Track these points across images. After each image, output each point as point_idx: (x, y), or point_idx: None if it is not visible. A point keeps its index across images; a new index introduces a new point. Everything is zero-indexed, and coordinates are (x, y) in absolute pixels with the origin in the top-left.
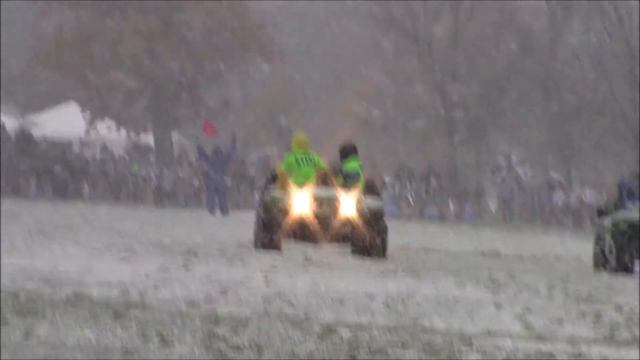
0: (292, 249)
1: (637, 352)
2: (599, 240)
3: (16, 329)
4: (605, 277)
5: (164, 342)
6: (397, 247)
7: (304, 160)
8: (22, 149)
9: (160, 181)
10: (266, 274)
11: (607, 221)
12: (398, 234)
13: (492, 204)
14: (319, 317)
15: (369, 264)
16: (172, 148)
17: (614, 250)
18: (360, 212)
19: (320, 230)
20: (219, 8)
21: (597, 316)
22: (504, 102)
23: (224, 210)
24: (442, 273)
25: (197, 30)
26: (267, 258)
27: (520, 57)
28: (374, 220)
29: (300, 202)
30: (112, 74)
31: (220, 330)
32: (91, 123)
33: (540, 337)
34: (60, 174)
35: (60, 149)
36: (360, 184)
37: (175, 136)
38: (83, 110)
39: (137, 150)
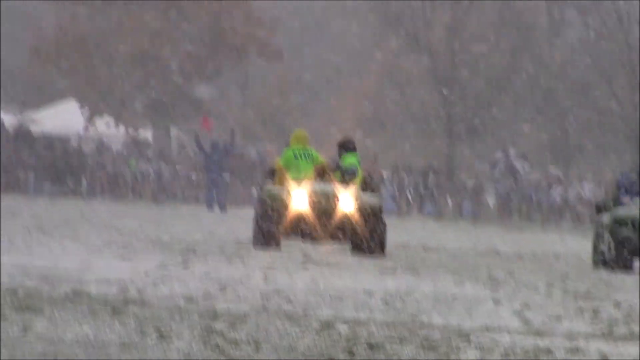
0: (291, 246)
1: (635, 348)
2: (597, 237)
3: (14, 325)
4: (603, 274)
5: (162, 337)
6: (396, 244)
7: (303, 155)
8: (21, 145)
9: (158, 177)
10: (265, 271)
11: (605, 218)
12: (396, 231)
13: (491, 201)
14: (317, 313)
15: (368, 261)
16: (170, 144)
17: (612, 247)
18: (359, 208)
19: (319, 226)
20: (218, 5)
21: (595, 312)
22: (503, 99)
23: (222, 206)
24: (440, 270)
25: (196, 26)
26: (265, 255)
27: (519, 54)
28: (372, 217)
29: (299, 199)
30: (111, 71)
31: (219, 326)
32: (90, 119)
33: (538, 333)
34: (59, 171)
35: (59, 146)
36: (359, 180)
37: (173, 132)
38: (82, 107)
39: (135, 146)
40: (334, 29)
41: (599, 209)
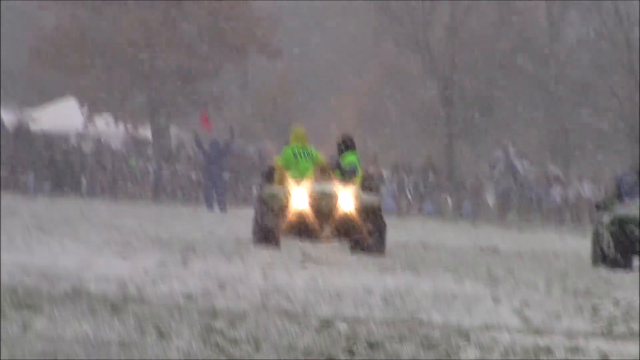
0: (291, 245)
1: (634, 346)
2: (597, 235)
3: (14, 323)
4: (603, 272)
5: (162, 335)
6: (395, 242)
7: (302, 154)
8: (20, 144)
9: (158, 176)
10: (264, 269)
11: (605, 217)
12: (396, 230)
13: (490, 200)
14: (316, 311)
15: (367, 260)
16: (170, 142)
17: (612, 245)
18: (358, 207)
19: (318, 225)
20: (218, 4)
21: (595, 310)
22: (502, 98)
23: (222, 204)
24: (440, 268)
25: (196, 24)
26: (265, 254)
27: (518, 52)
28: (372, 216)
29: (298, 198)
30: (110, 69)
31: (218, 324)
32: (89, 117)
33: (537, 331)
34: (59, 169)
35: (58, 144)
36: (358, 179)
37: (173, 130)
38: (81, 105)
39: (135, 144)
40: (334, 27)
41: (599, 207)
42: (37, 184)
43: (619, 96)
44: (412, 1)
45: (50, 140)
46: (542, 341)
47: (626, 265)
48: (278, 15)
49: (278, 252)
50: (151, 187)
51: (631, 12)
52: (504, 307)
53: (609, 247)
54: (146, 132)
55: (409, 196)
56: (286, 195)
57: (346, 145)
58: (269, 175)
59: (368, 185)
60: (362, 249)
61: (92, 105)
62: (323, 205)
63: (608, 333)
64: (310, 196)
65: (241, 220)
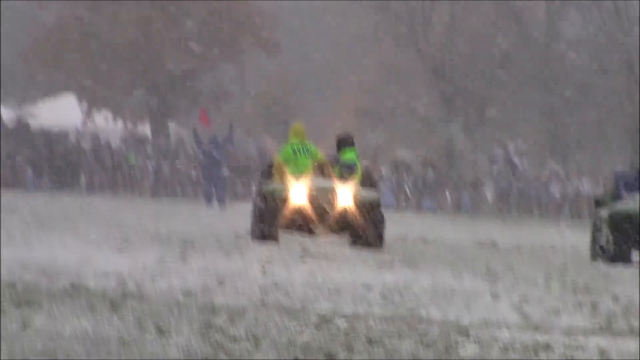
0: (289, 240)
1: (634, 342)
2: (596, 231)
3: (13, 319)
4: (602, 267)
5: (161, 332)
6: (394, 238)
7: (301, 150)
8: (19, 140)
9: (157, 172)
10: (263, 265)
11: (604, 212)
12: (395, 225)
13: (489, 195)
14: (315, 307)
15: (366, 255)
16: (169, 138)
17: (611, 241)
18: (357, 203)
19: (317, 221)
20: (216, 1)
21: (594, 306)
22: (502, 95)
23: (221, 201)
24: (439, 264)
25: (195, 21)
26: (264, 249)
27: (517, 48)
28: (371, 211)
29: (297, 193)
30: (109, 65)
31: (217, 321)
32: (88, 114)
33: (537, 328)
34: (58, 165)
35: (57, 140)
36: (357, 175)
37: (172, 127)
38: (80, 102)
39: (134, 141)
40: (333, 25)
41: (598, 203)
42: (36, 180)
43: (618, 93)
44: (412, 0)
45: (50, 137)
46: (541, 338)
47: (625, 260)
48: (277, 13)
49: (277, 247)
50: (150, 183)
51: (631, 9)
52: (503, 303)
53: (608, 242)
54: (145, 129)
55: (408, 191)
56: (285, 191)
57: (345, 142)
58: (268, 172)
59: (367, 181)
60: (361, 245)
61: (91, 102)
62: (322, 201)
63: (607, 329)
64: (310, 192)
65: (240, 216)
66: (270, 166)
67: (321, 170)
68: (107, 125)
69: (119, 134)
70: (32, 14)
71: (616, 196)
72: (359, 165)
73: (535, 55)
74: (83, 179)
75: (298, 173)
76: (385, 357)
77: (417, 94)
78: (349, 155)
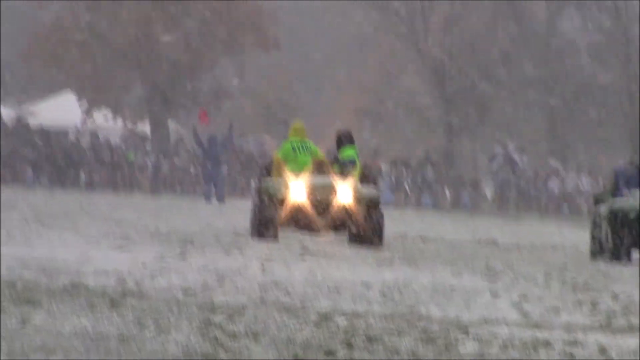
0: (289, 238)
1: (633, 340)
2: (595, 228)
3: (13, 317)
4: (601, 265)
5: (160, 329)
6: (394, 235)
7: (301, 148)
8: (19, 138)
9: (156, 169)
10: (263, 262)
11: (603, 209)
12: (394, 223)
13: (489, 193)
14: (315, 305)
15: (366, 253)
16: (168, 136)
17: (610, 238)
18: (357, 200)
19: (317, 218)
20: None
21: (594, 304)
22: (501, 92)
23: (221, 198)
24: (438, 261)
25: (194, 19)
26: (263, 247)
27: (517, 47)
28: (370, 209)
29: (297, 191)
30: (108, 63)
31: (217, 318)
32: (88, 112)
33: (536, 325)
34: (57, 163)
35: (57, 138)
36: (357, 172)
37: (171, 125)
38: (80, 100)
39: (133, 138)
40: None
41: (597, 200)
42: (35, 177)
43: (618, 91)
44: (412, 0)
45: (49, 135)
46: (541, 335)
47: (625, 258)
48: (277, 12)
49: (276, 245)
50: (150, 181)
51: (630, 8)
52: (502, 300)
53: (607, 240)
54: (145, 128)
55: (408, 189)
56: (285, 189)
57: (345, 139)
58: (268, 169)
59: (366, 178)
60: (361, 242)
61: (91, 101)
62: (321, 198)
63: (607, 327)
64: (309, 189)
65: (240, 213)
66: (269, 164)
67: (321, 167)
68: (107, 123)
69: (118, 132)
70: (32, 13)
71: (615, 193)
72: (358, 163)
73: (535, 54)
74: (83, 177)
75: (298, 171)
76: (384, 355)
77: (417, 93)
78: (348, 153)
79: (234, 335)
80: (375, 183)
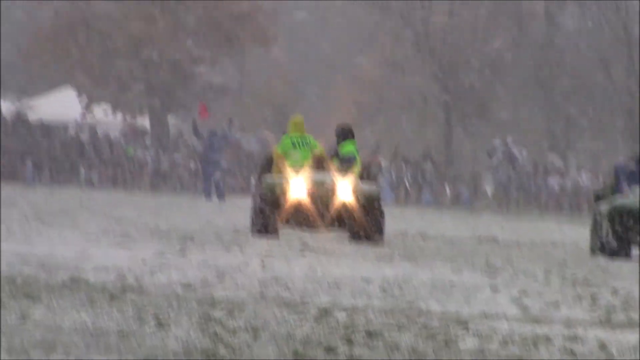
0: (289, 234)
1: (633, 335)
2: (595, 224)
3: (13, 312)
4: (601, 261)
5: (160, 325)
6: (394, 232)
7: (301, 143)
8: (19, 133)
9: (156, 165)
10: (263, 259)
11: (604, 206)
12: (394, 219)
13: (489, 189)
14: (315, 300)
15: (366, 249)
16: (168, 131)
17: (610, 235)
18: (357, 196)
19: (317, 215)
20: None
21: (593, 300)
22: (501, 87)
23: (220, 195)
24: (438, 258)
25: (194, 15)
26: (263, 243)
27: (517, 42)
28: (370, 205)
29: (297, 187)
30: (108, 58)
31: (217, 314)
32: (87, 107)
33: (536, 320)
34: (57, 159)
35: (56, 134)
36: (357, 168)
37: (171, 120)
38: (79, 95)
39: (133, 134)
40: (332, 18)
41: (597, 196)
42: (35, 173)
43: (618, 87)
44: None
45: (49, 130)
46: (541, 330)
47: (625, 254)
48: (276, 7)
49: (277, 241)
50: (149, 176)
51: (630, 3)
52: (502, 296)
53: (607, 236)
54: (144, 123)
55: (407, 186)
56: (285, 185)
57: (345, 135)
58: (268, 165)
59: (367, 174)
60: (361, 239)
61: (91, 95)
62: (321, 194)
63: (607, 322)
64: (309, 185)
65: (239, 209)
66: (269, 159)
67: (320, 163)
68: (107, 118)
69: (118, 127)
70: (32, 8)
71: (616, 190)
72: (358, 159)
73: (534, 50)
74: (82, 172)
75: (297, 166)
76: (384, 350)
77: (417, 88)
78: (348, 149)
79: (233, 331)
80: (375, 179)
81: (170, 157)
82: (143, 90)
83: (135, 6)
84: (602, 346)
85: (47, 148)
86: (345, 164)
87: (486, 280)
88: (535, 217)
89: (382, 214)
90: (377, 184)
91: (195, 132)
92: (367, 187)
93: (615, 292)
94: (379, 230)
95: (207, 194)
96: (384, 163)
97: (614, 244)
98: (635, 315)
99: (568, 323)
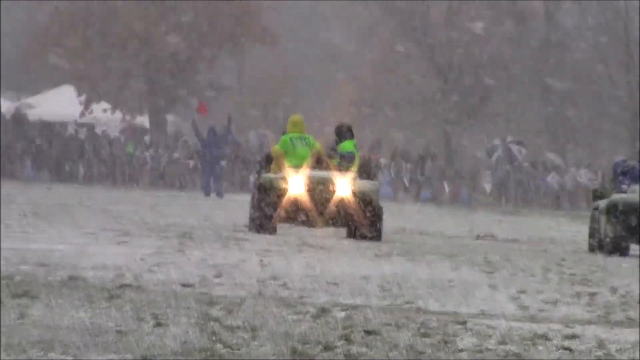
0: (288, 232)
1: (631, 333)
2: (594, 222)
3: (11, 311)
4: (600, 259)
5: (158, 323)
6: (392, 229)
7: (300, 141)
8: (18, 131)
9: (155, 163)
10: (261, 256)
11: (602, 204)
12: (393, 217)
13: (487, 187)
14: (313, 299)
15: (364, 247)
16: (167, 129)
17: (609, 232)
18: (356, 194)
19: (316, 212)
20: None
21: (592, 298)
22: (500, 85)
23: (219, 192)
24: (437, 255)
25: (193, 13)
26: (262, 241)
27: (516, 40)
28: (369, 203)
29: (296, 185)
30: (108, 57)
31: (215, 312)
32: (87, 105)
33: (534, 319)
34: (56, 156)
35: (56, 131)
36: (356, 166)
37: (170, 118)
38: (79, 93)
39: (132, 132)
40: (331, 14)
41: (596, 195)
42: (34, 171)
43: (617, 84)
44: None
45: (48, 128)
46: (539, 328)
47: (623, 252)
48: (275, 5)
49: (275, 238)
50: (148, 174)
51: (630, 2)
52: (500, 294)
53: (605, 234)
54: (144, 121)
55: (406, 182)
56: (284, 182)
57: (344, 133)
58: (267, 163)
59: (366, 172)
60: (359, 236)
61: (90, 93)
62: (320, 192)
63: (605, 320)
64: (308, 183)
65: (238, 206)
66: (268, 157)
67: (319, 161)
68: (106, 116)
69: (117, 125)
70: (31, 6)
71: (614, 188)
72: (357, 157)
73: (534, 48)
74: (81, 170)
75: (297, 164)
76: (383, 348)
77: (416, 86)
78: (347, 147)
79: (231, 329)
80: (374, 177)
81: (170, 155)
82: (142, 88)
83: (135, 5)
84: (601, 344)
85: (46, 146)
86: (345, 162)
87: (484, 278)
88: (534, 214)
89: (380, 211)
90: (376, 181)
91: (196, 131)
92: (366, 184)
93: (613, 290)
94: (377, 227)
95: (206, 191)
96: (383, 161)
97: (612, 241)
98: (633, 314)
99: (566, 321)
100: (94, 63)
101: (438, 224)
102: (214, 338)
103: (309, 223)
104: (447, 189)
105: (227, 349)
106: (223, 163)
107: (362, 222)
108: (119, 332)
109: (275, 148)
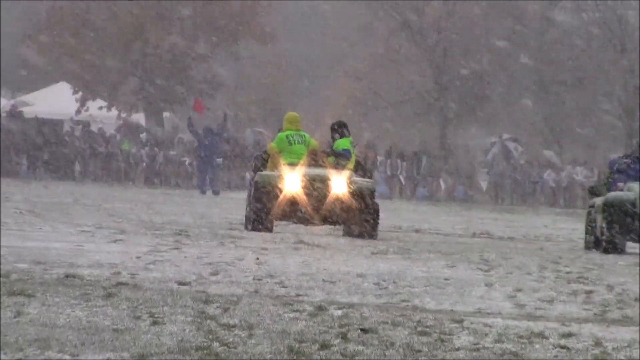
0: (284, 230)
1: (628, 331)
2: (590, 220)
3: (7, 309)
4: (596, 257)
5: (155, 321)
6: (388, 227)
7: (296, 139)
8: (13, 129)
9: (151, 160)
10: (257, 254)
11: (598, 201)
12: (389, 214)
13: (484, 184)
14: (310, 296)
15: (360, 245)
16: (163, 127)
17: (605, 230)
18: (351, 191)
19: (312, 210)
20: None
21: (588, 296)
22: (496, 82)
23: (215, 190)
24: (433, 253)
25: (189, 10)
26: (258, 239)
27: (512, 36)
28: (365, 200)
29: (292, 182)
30: (103, 54)
31: (211, 310)
32: (83, 103)
33: (531, 317)
34: (52, 154)
35: (51, 129)
36: (352, 164)
37: (166, 116)
38: (75, 91)
39: (128, 129)
40: (327, 11)
41: (592, 192)
42: (30, 169)
43: (613, 81)
44: None
45: (44, 126)
46: (536, 326)
47: (619, 250)
48: (272, 2)
49: (271, 236)
50: (144, 171)
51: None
52: (497, 292)
53: (602, 232)
54: (140, 118)
55: (402, 180)
56: (280, 180)
57: (340, 130)
58: (263, 160)
59: (362, 170)
60: (355, 234)
61: (86, 91)
62: (316, 189)
63: (602, 318)
64: (304, 181)
65: (234, 204)
66: (264, 155)
67: (315, 159)
68: (102, 114)
69: (113, 123)
70: (27, 4)
71: (611, 186)
72: (353, 154)
73: (529, 43)
74: (77, 168)
75: (292, 162)
76: (379, 346)
77: (412, 83)
78: (343, 144)
79: (228, 327)
80: (370, 175)
81: (166, 152)
82: (138, 86)
83: (132, 3)
84: (597, 342)
85: (42, 144)
86: (340, 159)
87: (481, 276)
88: (530, 212)
89: (376, 209)
90: (372, 179)
91: (192, 129)
92: (362, 182)
93: (610, 288)
94: (373, 225)
95: (202, 189)
96: (379, 158)
97: (608, 239)
98: (630, 312)
99: (563, 319)
100: (90, 61)
101: (434, 221)
102: (210, 336)
103: (305, 221)
104: (443, 186)
105: (224, 347)
106: (219, 161)
107: (358, 220)
108: (116, 330)
109: (272, 146)
